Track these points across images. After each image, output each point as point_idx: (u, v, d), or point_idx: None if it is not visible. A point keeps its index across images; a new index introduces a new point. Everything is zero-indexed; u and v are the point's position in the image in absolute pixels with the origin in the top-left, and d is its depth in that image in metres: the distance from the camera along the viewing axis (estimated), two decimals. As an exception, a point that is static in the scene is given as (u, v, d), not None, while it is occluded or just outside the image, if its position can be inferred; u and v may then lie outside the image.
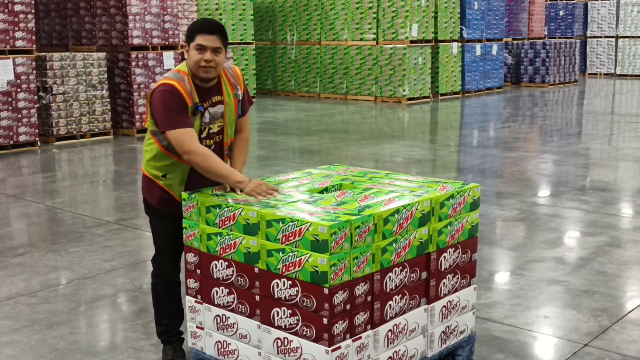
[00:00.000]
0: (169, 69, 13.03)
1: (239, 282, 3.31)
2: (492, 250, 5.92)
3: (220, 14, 17.70)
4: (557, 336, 4.25)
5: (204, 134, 3.59)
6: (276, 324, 3.16)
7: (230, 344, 3.41)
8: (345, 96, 18.81)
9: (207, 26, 3.49)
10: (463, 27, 19.30)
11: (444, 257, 3.48)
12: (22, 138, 11.17)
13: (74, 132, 12.03)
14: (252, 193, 3.39)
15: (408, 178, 3.81)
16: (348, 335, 3.05)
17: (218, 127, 3.64)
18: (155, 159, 3.64)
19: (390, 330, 3.25)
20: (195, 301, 3.56)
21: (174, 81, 3.47)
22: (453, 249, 3.53)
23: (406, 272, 3.30)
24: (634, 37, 25.07)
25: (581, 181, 8.73)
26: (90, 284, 5.21)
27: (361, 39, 18.33)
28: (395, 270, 3.24)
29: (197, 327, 3.58)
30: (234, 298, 3.35)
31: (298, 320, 3.07)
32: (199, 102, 3.51)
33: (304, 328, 3.05)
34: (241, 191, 3.44)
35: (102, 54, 12.32)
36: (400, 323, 3.30)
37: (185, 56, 3.55)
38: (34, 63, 11.37)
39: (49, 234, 6.63)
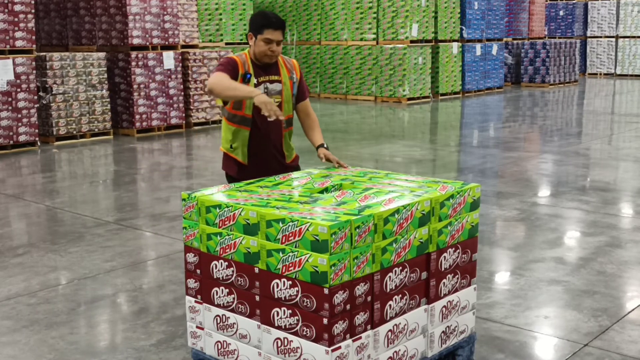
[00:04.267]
0: (169, 69, 13.04)
1: (239, 282, 3.31)
2: (492, 250, 5.92)
3: (220, 14, 17.70)
4: (557, 336, 4.25)
5: None
6: (276, 324, 3.16)
7: (230, 344, 3.41)
8: (345, 96, 18.81)
9: (274, 22, 4.03)
10: (463, 27, 19.30)
11: (444, 257, 3.48)
12: (22, 138, 11.17)
13: (74, 132, 12.03)
14: (261, 104, 3.74)
15: (408, 178, 3.81)
16: (348, 336, 3.05)
17: (276, 102, 4.12)
18: (225, 133, 4.20)
19: (390, 331, 3.24)
20: (195, 301, 3.56)
21: (235, 56, 4.11)
22: (453, 249, 3.53)
23: (406, 272, 3.29)
24: (634, 37, 25.07)
25: (581, 181, 8.73)
26: (90, 284, 5.21)
27: (361, 39, 18.33)
28: (396, 270, 3.24)
29: (197, 327, 3.58)
30: (234, 298, 3.35)
31: (298, 320, 3.06)
32: (250, 73, 4.07)
33: (304, 328, 3.04)
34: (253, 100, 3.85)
35: (102, 54, 12.32)
36: (400, 323, 3.30)
37: (250, 43, 4.10)
38: (33, 63, 11.37)
39: (49, 234, 6.63)
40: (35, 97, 11.40)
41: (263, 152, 4.18)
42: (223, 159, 4.31)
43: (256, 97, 3.77)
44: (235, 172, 4.19)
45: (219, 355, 3.48)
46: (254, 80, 4.06)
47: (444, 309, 3.51)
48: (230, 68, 4.02)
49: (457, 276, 3.58)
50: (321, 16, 19.08)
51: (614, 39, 25.67)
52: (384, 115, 15.97)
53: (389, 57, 17.72)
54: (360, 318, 3.10)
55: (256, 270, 3.22)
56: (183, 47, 14.06)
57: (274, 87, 4.16)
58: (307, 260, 2.99)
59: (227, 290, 3.37)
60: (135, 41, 12.68)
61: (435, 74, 18.59)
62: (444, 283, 3.49)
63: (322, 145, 4.31)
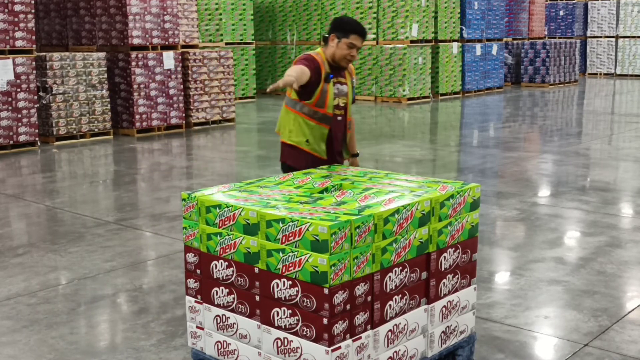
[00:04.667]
0: (169, 69, 13.03)
1: (239, 282, 3.31)
2: (492, 250, 5.92)
3: (220, 14, 17.70)
4: (557, 336, 4.25)
5: (336, 102, 4.31)
6: (276, 324, 3.16)
7: (230, 344, 3.41)
8: (345, 96, 18.79)
9: (362, 30, 4.25)
10: (463, 27, 19.30)
11: (444, 257, 3.48)
12: (22, 138, 11.17)
13: (74, 132, 12.02)
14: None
15: (408, 178, 3.81)
16: (348, 336, 3.05)
17: (343, 103, 4.36)
18: (298, 127, 4.32)
19: (390, 330, 3.24)
20: (195, 301, 3.56)
21: (313, 54, 4.26)
22: (453, 249, 3.53)
23: (406, 272, 3.29)
24: (634, 37, 25.06)
25: (581, 181, 8.73)
26: (90, 284, 5.21)
27: (361, 39, 18.31)
28: (395, 270, 3.24)
29: (197, 327, 3.58)
30: (234, 298, 3.35)
31: (298, 320, 3.06)
32: (332, 74, 4.26)
33: (304, 328, 3.04)
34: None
35: (102, 54, 12.32)
36: (400, 323, 3.30)
37: (331, 44, 4.25)
38: (33, 63, 11.37)
39: (49, 234, 6.63)
40: (35, 97, 11.40)
41: (339, 144, 4.42)
42: (287, 151, 4.41)
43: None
44: (304, 166, 4.30)
45: (219, 355, 3.48)
46: (333, 80, 4.26)
47: (444, 309, 3.51)
48: (313, 66, 4.16)
49: (457, 276, 3.58)
50: (321, 16, 19.08)
51: (614, 39, 25.66)
52: (384, 115, 15.97)
53: (389, 57, 17.72)
54: (360, 318, 3.10)
55: (256, 270, 3.22)
56: (183, 47, 14.06)
57: (343, 89, 4.35)
58: (307, 260, 2.99)
59: (227, 290, 3.37)
60: (135, 41, 12.68)
61: (435, 74, 18.59)
62: (444, 283, 3.49)
63: (355, 155, 4.59)
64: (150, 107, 12.88)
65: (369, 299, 3.13)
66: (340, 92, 4.33)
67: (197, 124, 13.80)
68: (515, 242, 6.14)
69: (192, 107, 13.63)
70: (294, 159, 4.40)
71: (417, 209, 3.29)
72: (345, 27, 4.23)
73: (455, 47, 18.94)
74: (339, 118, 4.37)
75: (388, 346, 3.25)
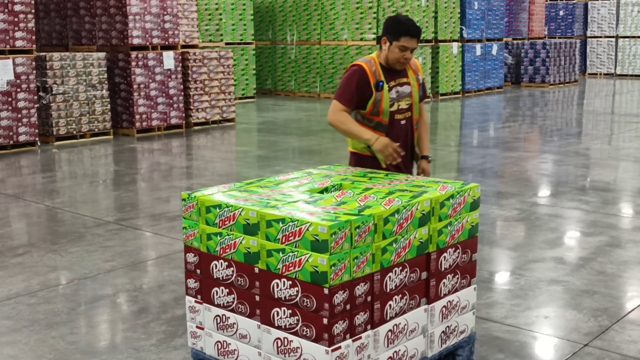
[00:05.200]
0: (169, 69, 13.04)
1: (239, 282, 3.31)
2: (492, 250, 5.92)
3: (220, 14, 17.69)
4: (557, 336, 4.25)
5: (394, 108, 4.12)
6: (276, 324, 3.16)
7: (230, 344, 3.41)
8: (345, 96, 18.78)
9: (412, 30, 4.01)
10: (463, 27, 19.30)
11: (444, 257, 3.48)
12: (22, 138, 11.17)
13: (74, 132, 12.02)
14: (380, 152, 3.96)
15: (408, 178, 3.81)
16: (348, 336, 3.05)
17: (407, 105, 4.18)
18: None
19: (390, 330, 3.24)
20: (195, 301, 3.56)
21: (363, 63, 4.09)
22: (453, 249, 3.53)
23: (406, 272, 3.29)
24: (634, 37, 25.06)
25: (581, 181, 8.73)
26: (90, 284, 5.21)
27: (361, 39, 18.32)
28: (395, 270, 3.24)
29: (197, 327, 3.58)
30: (234, 298, 3.35)
31: (298, 320, 3.06)
32: (383, 80, 4.06)
33: (304, 328, 3.04)
34: (370, 147, 4.04)
35: (102, 54, 12.32)
36: (400, 323, 3.30)
37: (383, 47, 4.08)
38: (33, 63, 11.37)
39: (49, 234, 6.63)
40: (35, 97, 11.40)
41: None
42: (354, 159, 4.31)
43: (374, 144, 3.94)
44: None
45: (219, 355, 3.48)
46: (386, 87, 4.06)
47: (444, 309, 3.51)
48: (355, 86, 4.03)
49: (457, 276, 3.58)
50: (321, 16, 19.07)
51: (614, 39, 25.66)
52: (384, 115, 15.96)
53: (389, 57, 17.70)
54: (360, 318, 3.10)
55: (256, 270, 3.22)
56: (183, 47, 14.06)
57: (404, 90, 4.15)
58: (307, 260, 2.99)
59: (227, 290, 3.37)
60: (135, 41, 12.68)
61: (435, 74, 18.58)
62: (444, 283, 3.49)
63: (425, 157, 4.39)
64: (150, 107, 12.88)
65: (369, 299, 3.13)
66: (401, 94, 4.14)
67: (197, 124, 13.80)
68: (515, 242, 6.14)
69: (192, 107, 13.63)
70: (360, 165, 4.25)
71: (417, 209, 3.29)
72: (396, 28, 4.01)
73: (455, 47, 18.94)
74: (403, 122, 4.17)
75: (388, 346, 3.25)
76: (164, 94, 13.06)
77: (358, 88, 4.04)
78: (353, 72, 4.09)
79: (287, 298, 3.09)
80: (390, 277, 3.21)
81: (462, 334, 3.68)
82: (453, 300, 3.57)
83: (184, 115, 13.46)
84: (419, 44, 17.72)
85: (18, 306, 4.77)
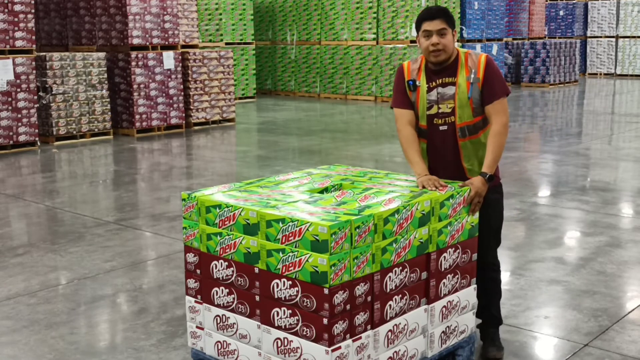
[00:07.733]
0: (169, 69, 13.04)
1: (239, 282, 3.31)
2: (492, 250, 5.91)
3: (220, 14, 17.69)
4: (557, 336, 4.25)
5: (433, 111, 3.75)
6: (276, 324, 3.16)
7: (230, 344, 3.41)
8: (345, 96, 18.81)
9: (428, 13, 3.69)
10: (463, 27, 19.30)
11: (444, 257, 3.48)
12: (22, 138, 11.17)
13: (74, 132, 12.02)
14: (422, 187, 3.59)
15: (408, 178, 3.81)
16: (348, 336, 3.05)
17: (449, 108, 3.73)
18: None
19: (390, 331, 3.24)
20: (195, 301, 3.56)
21: (408, 61, 3.86)
22: (453, 249, 3.53)
23: (406, 272, 3.29)
24: (634, 37, 25.05)
25: (581, 181, 8.72)
26: (90, 284, 5.21)
27: (361, 39, 18.33)
28: (395, 271, 3.24)
29: (197, 327, 3.58)
30: (234, 298, 3.35)
31: (298, 320, 3.06)
32: (416, 79, 3.76)
33: (304, 328, 3.04)
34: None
35: (102, 54, 12.32)
36: (400, 323, 3.30)
37: (418, 45, 3.76)
38: (33, 63, 11.37)
39: (49, 234, 6.63)
40: (35, 97, 11.39)
41: (440, 166, 3.80)
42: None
43: (418, 182, 3.58)
44: None
45: (219, 355, 3.48)
46: (424, 87, 3.73)
47: (444, 309, 3.51)
48: (400, 89, 3.81)
49: (457, 276, 3.58)
50: (321, 16, 19.07)
51: (614, 39, 25.66)
52: (384, 115, 15.96)
53: (389, 57, 17.72)
54: (360, 318, 3.09)
55: (256, 270, 3.22)
56: (183, 47, 14.06)
57: (446, 92, 3.71)
58: (307, 260, 2.99)
59: (227, 290, 3.37)
60: (135, 41, 12.68)
61: (435, 74, 18.57)
62: (444, 283, 3.49)
63: (483, 175, 3.65)
64: (150, 107, 12.88)
65: (369, 299, 3.13)
66: (443, 96, 3.72)
67: (197, 124, 13.80)
68: (515, 242, 6.13)
69: (192, 107, 13.63)
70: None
71: (417, 209, 3.29)
72: (417, 20, 3.73)
73: (455, 47, 18.93)
74: (443, 127, 3.73)
75: (388, 346, 3.25)
76: (164, 94, 13.06)
77: (397, 87, 3.83)
78: (396, 76, 3.88)
79: (287, 298, 3.09)
80: (390, 277, 3.21)
81: (462, 334, 3.68)
82: (453, 300, 3.57)
83: (184, 115, 13.45)
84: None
85: (18, 306, 4.77)
